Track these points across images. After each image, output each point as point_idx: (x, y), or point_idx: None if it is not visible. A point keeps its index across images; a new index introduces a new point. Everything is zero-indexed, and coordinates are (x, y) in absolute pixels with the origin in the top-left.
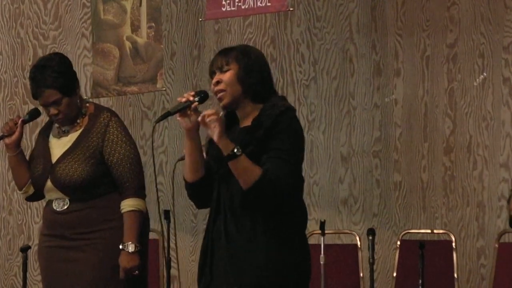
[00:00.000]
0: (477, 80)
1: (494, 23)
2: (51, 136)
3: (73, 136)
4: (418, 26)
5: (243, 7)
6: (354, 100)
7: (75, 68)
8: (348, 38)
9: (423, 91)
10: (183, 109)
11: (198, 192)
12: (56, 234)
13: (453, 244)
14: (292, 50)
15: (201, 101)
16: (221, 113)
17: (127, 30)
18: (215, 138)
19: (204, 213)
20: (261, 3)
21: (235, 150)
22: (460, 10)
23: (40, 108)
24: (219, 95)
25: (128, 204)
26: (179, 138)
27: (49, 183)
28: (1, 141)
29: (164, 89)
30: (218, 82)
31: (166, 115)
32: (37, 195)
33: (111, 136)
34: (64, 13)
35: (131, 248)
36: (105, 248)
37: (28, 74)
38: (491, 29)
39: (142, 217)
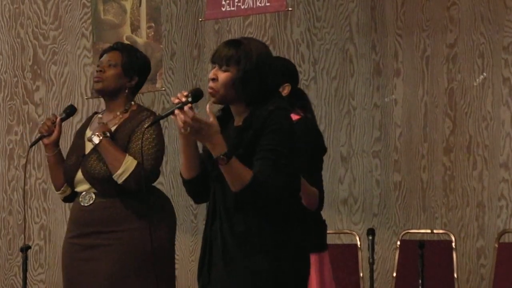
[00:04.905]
0: (477, 80)
1: (494, 23)
2: (88, 130)
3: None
4: (418, 26)
5: (242, 7)
6: (354, 100)
7: (75, 68)
8: (348, 38)
9: (423, 91)
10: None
11: (195, 188)
12: (79, 231)
13: (453, 244)
14: (292, 50)
15: (195, 101)
16: (216, 112)
17: (127, 30)
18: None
19: (205, 213)
20: (260, 3)
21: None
22: (460, 10)
23: (75, 104)
24: (211, 91)
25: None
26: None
27: (79, 173)
28: (39, 141)
29: (163, 89)
30: (214, 79)
31: (157, 120)
32: (74, 196)
33: (138, 131)
34: (64, 13)
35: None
36: (123, 250)
37: (28, 74)
38: (491, 29)
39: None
